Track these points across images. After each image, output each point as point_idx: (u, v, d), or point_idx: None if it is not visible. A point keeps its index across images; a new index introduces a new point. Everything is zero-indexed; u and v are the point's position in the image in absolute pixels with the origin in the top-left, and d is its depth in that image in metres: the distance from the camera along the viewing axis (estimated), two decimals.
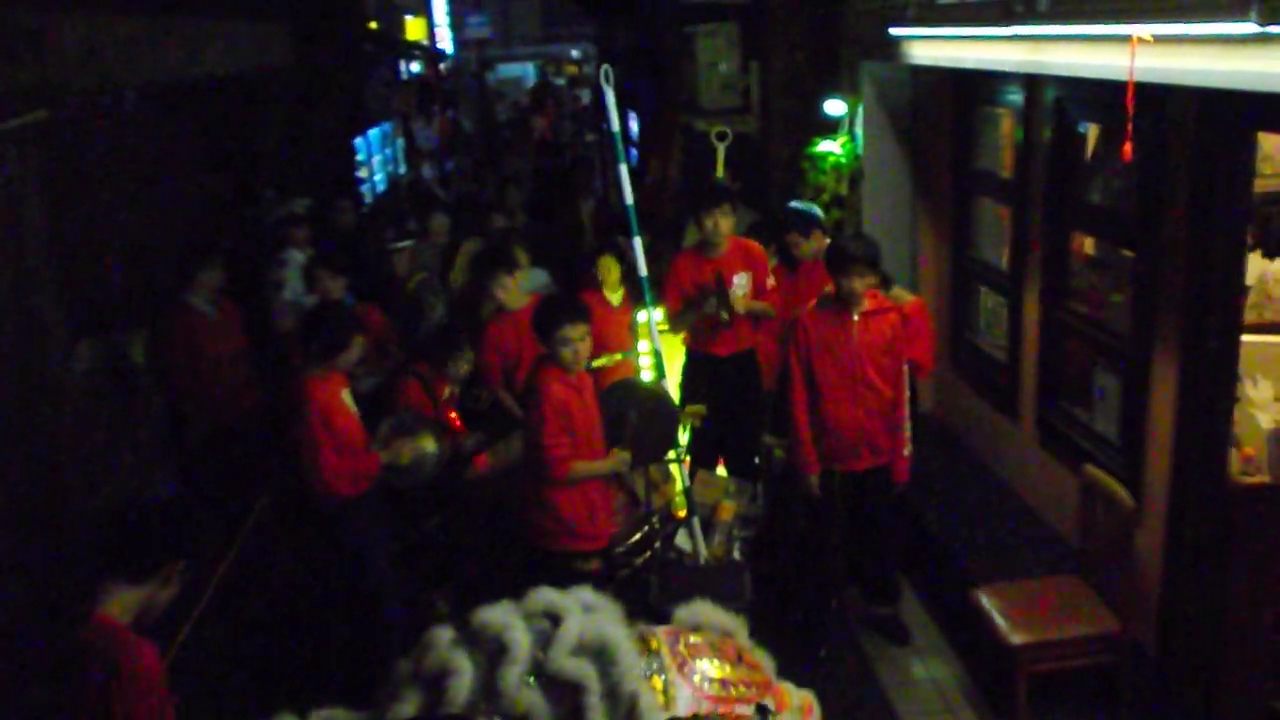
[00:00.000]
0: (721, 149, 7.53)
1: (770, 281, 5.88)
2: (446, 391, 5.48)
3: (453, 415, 5.60)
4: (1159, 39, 3.19)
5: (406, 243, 6.92)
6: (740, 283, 5.77)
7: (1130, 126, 3.23)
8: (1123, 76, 3.25)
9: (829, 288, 5.01)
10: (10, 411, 4.32)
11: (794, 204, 6.37)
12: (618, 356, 5.93)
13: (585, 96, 25.16)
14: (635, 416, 4.80)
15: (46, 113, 4.62)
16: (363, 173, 13.82)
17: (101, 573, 3.07)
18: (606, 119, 5.38)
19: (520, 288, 5.89)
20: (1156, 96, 3.87)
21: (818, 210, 6.31)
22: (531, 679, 1.61)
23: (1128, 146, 3.24)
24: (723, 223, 5.71)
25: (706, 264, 5.84)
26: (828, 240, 5.84)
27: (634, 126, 13.90)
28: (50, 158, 4.81)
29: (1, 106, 4.36)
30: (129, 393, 5.98)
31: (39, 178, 4.57)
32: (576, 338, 4.47)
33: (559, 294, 5.27)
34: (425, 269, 7.38)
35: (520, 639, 1.62)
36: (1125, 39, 3.28)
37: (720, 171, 7.57)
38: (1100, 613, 4.43)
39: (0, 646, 3.61)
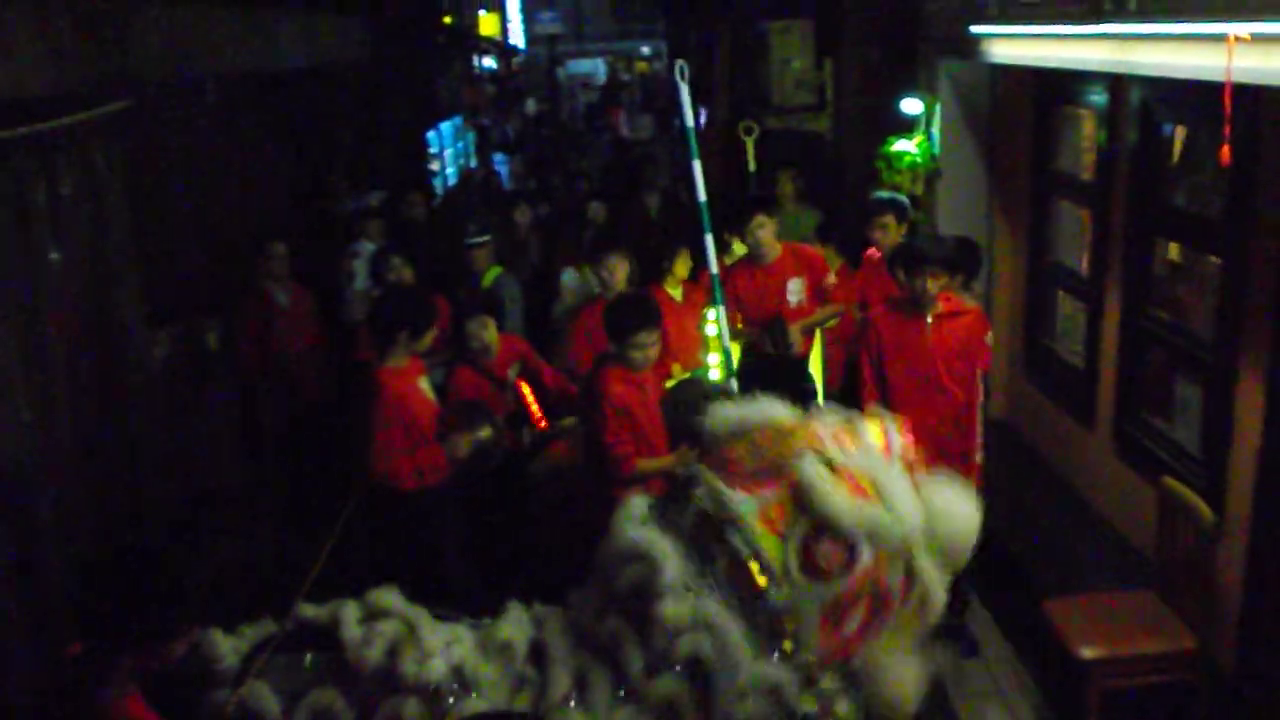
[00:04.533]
0: (750, 143, 7.46)
1: (831, 279, 5.82)
2: (511, 373, 5.46)
3: (527, 396, 5.55)
4: (1256, 38, 3.07)
5: (484, 238, 6.93)
6: (794, 289, 5.74)
7: (1228, 129, 3.12)
8: (1219, 77, 3.14)
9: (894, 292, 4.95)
10: (91, 397, 4.41)
11: (881, 194, 6.28)
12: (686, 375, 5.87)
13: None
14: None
15: (129, 102, 4.71)
16: (434, 166, 13.93)
17: (102, 646, 2.58)
18: (680, 114, 5.35)
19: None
20: (1248, 97, 3.74)
21: (904, 199, 6.24)
22: None
23: (1225, 149, 3.12)
24: (761, 233, 5.71)
25: (759, 273, 5.80)
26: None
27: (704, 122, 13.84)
28: (132, 147, 4.90)
29: (86, 96, 4.45)
30: (204, 380, 6.08)
31: (121, 166, 4.67)
32: (650, 343, 4.46)
33: (632, 295, 5.23)
34: (503, 263, 7.40)
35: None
36: (1220, 38, 3.16)
37: (752, 166, 7.49)
38: (1176, 629, 4.30)
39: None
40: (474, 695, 3.04)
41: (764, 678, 2.95)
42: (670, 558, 3.04)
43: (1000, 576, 5.55)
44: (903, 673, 3.12)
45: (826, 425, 3.31)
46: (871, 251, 6.02)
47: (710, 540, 3.10)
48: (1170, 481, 4.53)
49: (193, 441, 5.71)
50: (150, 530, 4.69)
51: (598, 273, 5.80)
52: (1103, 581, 4.95)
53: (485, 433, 4.95)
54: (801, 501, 3.05)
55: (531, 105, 22.19)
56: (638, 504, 3.31)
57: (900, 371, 4.86)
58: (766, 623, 3.00)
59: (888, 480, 3.12)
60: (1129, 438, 5.26)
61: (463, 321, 5.46)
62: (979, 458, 4.97)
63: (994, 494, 5.59)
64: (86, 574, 2.68)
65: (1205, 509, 4.25)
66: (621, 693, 3.04)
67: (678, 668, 2.97)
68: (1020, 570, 5.36)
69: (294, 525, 5.92)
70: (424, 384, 4.83)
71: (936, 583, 3.14)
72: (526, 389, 5.63)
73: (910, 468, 3.29)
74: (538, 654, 3.22)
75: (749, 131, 7.41)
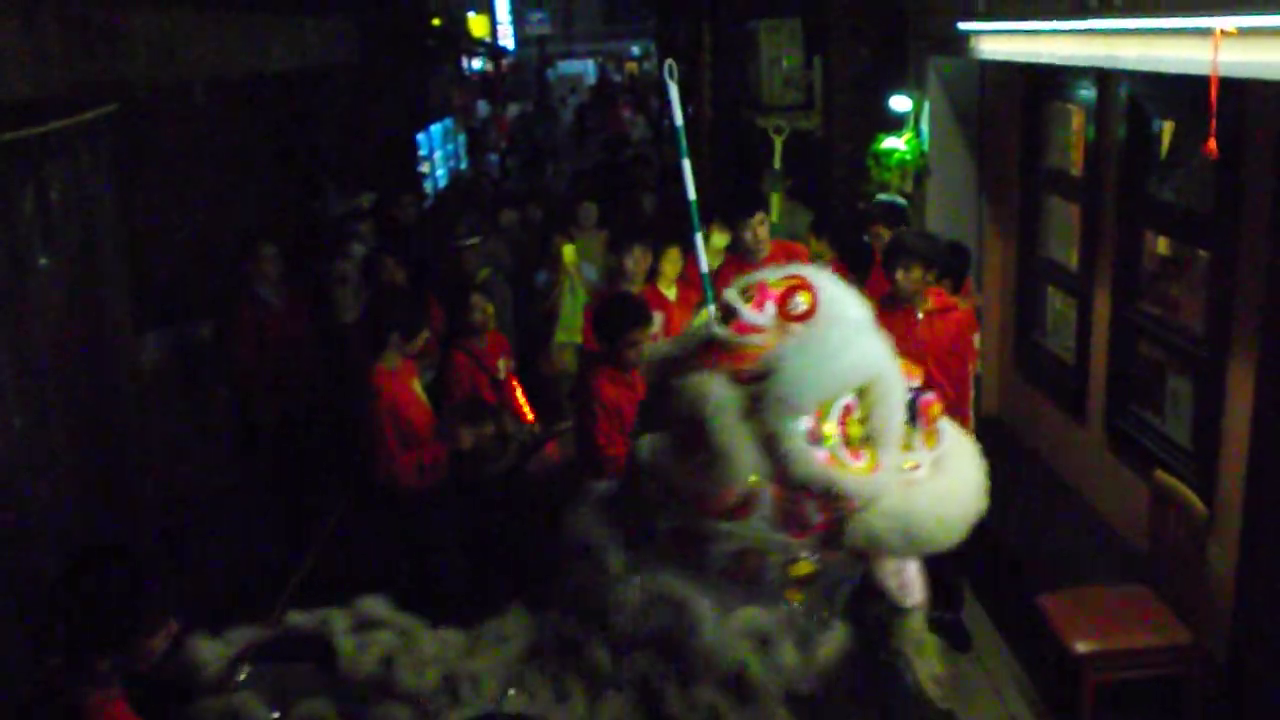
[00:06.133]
0: (779, 142, 7.52)
1: None
2: (502, 365, 5.47)
3: (518, 396, 5.58)
4: (1243, 32, 3.08)
5: (474, 239, 6.94)
6: None
7: (1214, 123, 3.12)
8: (1205, 71, 3.15)
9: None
10: (81, 401, 4.40)
11: (881, 196, 6.31)
12: None
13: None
14: None
15: (118, 105, 4.70)
16: (424, 168, 13.91)
17: (82, 646, 2.57)
18: (670, 114, 5.36)
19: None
20: (1235, 91, 3.75)
21: (903, 202, 6.26)
22: None
23: (1212, 143, 3.13)
24: (761, 229, 5.72)
25: (749, 270, 5.81)
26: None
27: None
28: (120, 151, 4.89)
29: (75, 99, 4.44)
30: (195, 382, 6.07)
31: (109, 169, 4.66)
32: (642, 341, 4.46)
33: (622, 294, 5.24)
34: (494, 264, 7.40)
35: None
36: (1206, 32, 3.17)
37: (778, 164, 7.54)
38: (1170, 623, 4.31)
39: None
40: (463, 705, 3.02)
41: (737, 628, 2.84)
42: (610, 550, 3.00)
43: (994, 571, 5.56)
44: (917, 501, 2.89)
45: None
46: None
47: (644, 518, 3.02)
48: (1162, 475, 4.55)
49: (185, 444, 5.70)
50: (143, 533, 4.68)
51: (621, 262, 5.80)
52: (1096, 575, 4.96)
53: (489, 428, 4.98)
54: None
55: (484, 107, 22.02)
56: (588, 496, 3.29)
57: None
58: (725, 567, 2.89)
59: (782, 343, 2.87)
60: (1120, 432, 5.28)
61: (466, 297, 5.47)
62: None
63: (988, 490, 5.61)
64: (56, 577, 2.66)
65: (1197, 502, 4.26)
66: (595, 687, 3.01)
67: (641, 649, 2.92)
68: (1014, 565, 5.37)
69: (287, 527, 5.91)
70: (417, 386, 4.83)
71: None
72: (519, 390, 5.65)
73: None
74: (537, 655, 3.20)
75: (778, 131, 7.51)
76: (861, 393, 2.83)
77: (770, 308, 2.95)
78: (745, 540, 2.83)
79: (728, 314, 2.98)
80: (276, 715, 3.01)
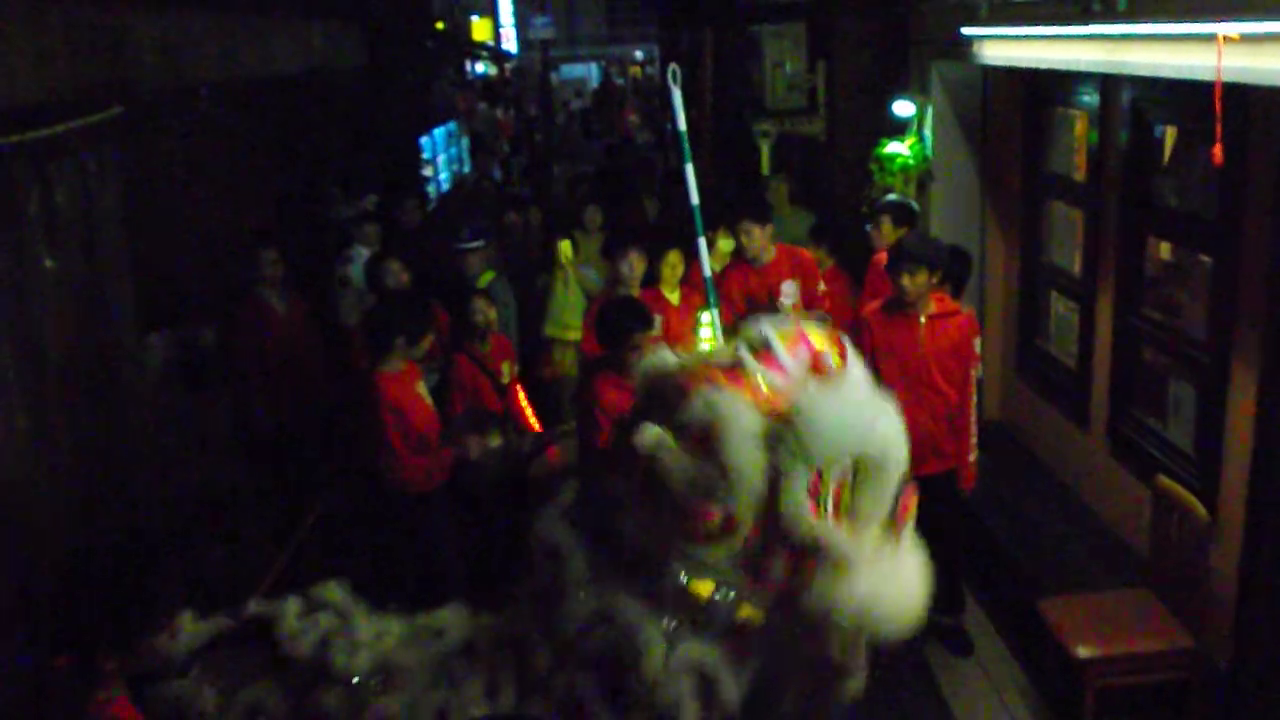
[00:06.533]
0: (765, 146, 7.55)
1: (821, 287, 5.83)
2: (506, 369, 5.47)
3: (521, 400, 5.59)
4: (1245, 38, 3.09)
5: (477, 243, 6.94)
6: (789, 291, 5.74)
7: (1220, 129, 3.13)
8: (1209, 77, 3.16)
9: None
10: (85, 402, 4.41)
11: (891, 197, 6.33)
12: None
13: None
14: None
15: (122, 109, 4.71)
16: (427, 171, 13.91)
17: (88, 645, 2.59)
18: (673, 119, 5.37)
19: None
20: (1238, 97, 3.76)
21: (914, 205, 6.29)
22: None
23: (1218, 149, 3.13)
24: (745, 238, 5.72)
25: (754, 274, 5.81)
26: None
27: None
28: (125, 154, 4.90)
29: (80, 102, 4.46)
30: (198, 385, 6.07)
31: (114, 172, 4.67)
32: (646, 343, 4.46)
33: (624, 298, 5.25)
34: (497, 269, 7.40)
35: None
36: (1209, 38, 3.18)
37: (765, 169, 7.56)
38: (1172, 628, 4.31)
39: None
40: (392, 692, 3.05)
41: (681, 661, 2.86)
42: (574, 554, 3.01)
43: (995, 575, 5.56)
44: (883, 587, 2.91)
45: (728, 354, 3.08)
46: (880, 256, 6.05)
47: (611, 531, 3.03)
48: (1164, 480, 4.55)
49: (188, 446, 5.71)
50: (146, 534, 4.69)
51: (616, 267, 5.82)
52: (1098, 580, 4.96)
53: (495, 439, 5.00)
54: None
55: (484, 108, 22.02)
56: (560, 499, 3.31)
57: (894, 372, 4.86)
58: (674, 600, 2.90)
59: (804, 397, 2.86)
60: (1123, 437, 5.28)
61: (468, 301, 5.49)
62: (973, 458, 4.98)
63: (990, 494, 5.62)
64: (61, 578, 2.69)
65: (1199, 507, 4.26)
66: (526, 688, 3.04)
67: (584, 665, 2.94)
68: (1015, 569, 5.37)
69: (288, 529, 5.91)
70: (421, 389, 4.84)
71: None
72: (521, 394, 5.66)
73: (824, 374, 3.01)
74: (470, 652, 3.22)
75: (765, 135, 7.55)
76: (858, 467, 2.85)
77: (804, 354, 2.98)
78: (705, 568, 2.85)
79: (759, 346, 3.00)
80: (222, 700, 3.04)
